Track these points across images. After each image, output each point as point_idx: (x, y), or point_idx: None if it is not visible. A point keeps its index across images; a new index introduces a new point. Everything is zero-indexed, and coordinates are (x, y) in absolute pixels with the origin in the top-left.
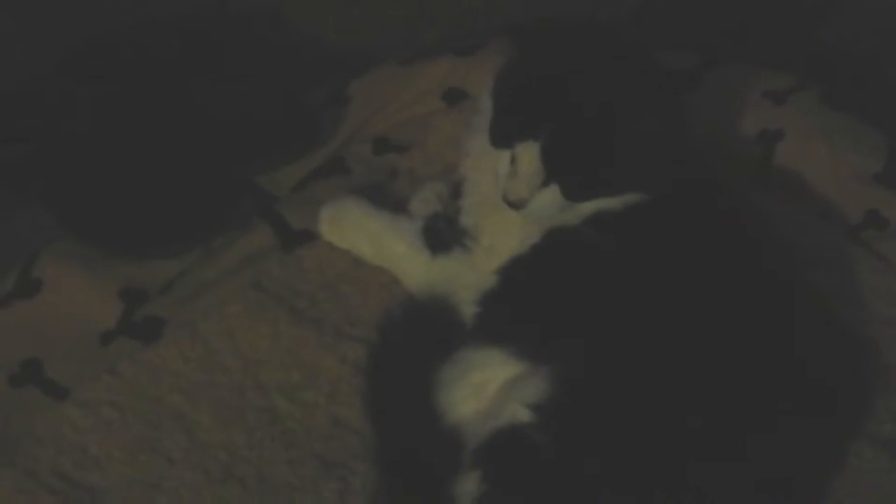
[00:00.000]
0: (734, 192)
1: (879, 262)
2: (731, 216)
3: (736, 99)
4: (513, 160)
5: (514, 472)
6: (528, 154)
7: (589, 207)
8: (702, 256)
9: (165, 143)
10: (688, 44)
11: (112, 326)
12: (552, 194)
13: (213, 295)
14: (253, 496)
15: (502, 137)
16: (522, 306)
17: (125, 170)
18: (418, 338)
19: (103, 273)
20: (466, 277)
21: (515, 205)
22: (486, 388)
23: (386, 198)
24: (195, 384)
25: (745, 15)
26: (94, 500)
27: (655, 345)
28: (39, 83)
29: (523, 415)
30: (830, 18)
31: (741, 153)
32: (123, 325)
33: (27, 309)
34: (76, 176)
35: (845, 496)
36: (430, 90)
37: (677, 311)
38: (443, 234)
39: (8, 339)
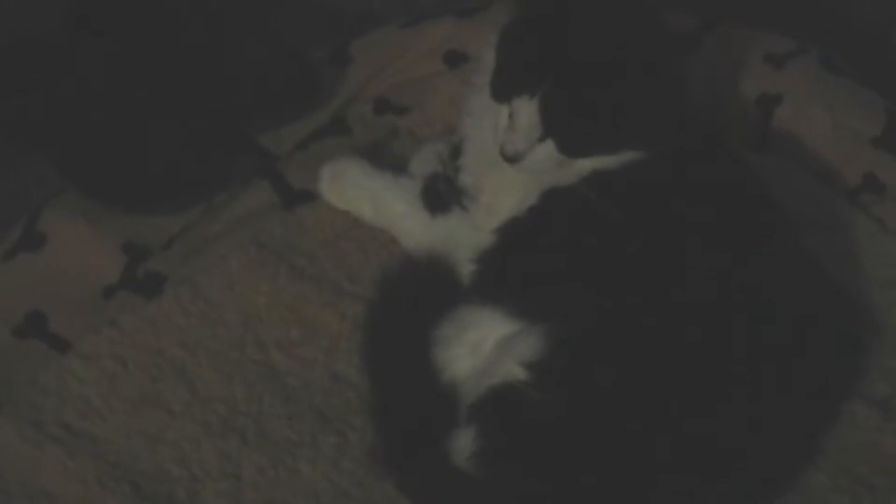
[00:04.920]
0: (733, 153)
1: (876, 224)
2: (730, 177)
3: (735, 62)
4: (511, 114)
5: (509, 428)
6: (526, 108)
7: (587, 166)
8: (700, 217)
9: (168, 100)
10: (688, 6)
11: (115, 281)
12: (548, 149)
13: (215, 251)
14: (252, 449)
15: (501, 91)
16: (520, 265)
17: (128, 125)
18: (416, 296)
19: (107, 228)
20: (465, 237)
21: (511, 158)
22: (482, 346)
23: (386, 158)
24: (196, 338)
25: None
26: (96, 450)
27: (652, 305)
28: (44, 36)
29: (518, 373)
30: None
31: (740, 116)
32: (126, 279)
33: (31, 262)
34: (79, 130)
35: (838, 453)
36: (431, 52)
37: (674, 272)
38: (442, 194)
39: (12, 292)
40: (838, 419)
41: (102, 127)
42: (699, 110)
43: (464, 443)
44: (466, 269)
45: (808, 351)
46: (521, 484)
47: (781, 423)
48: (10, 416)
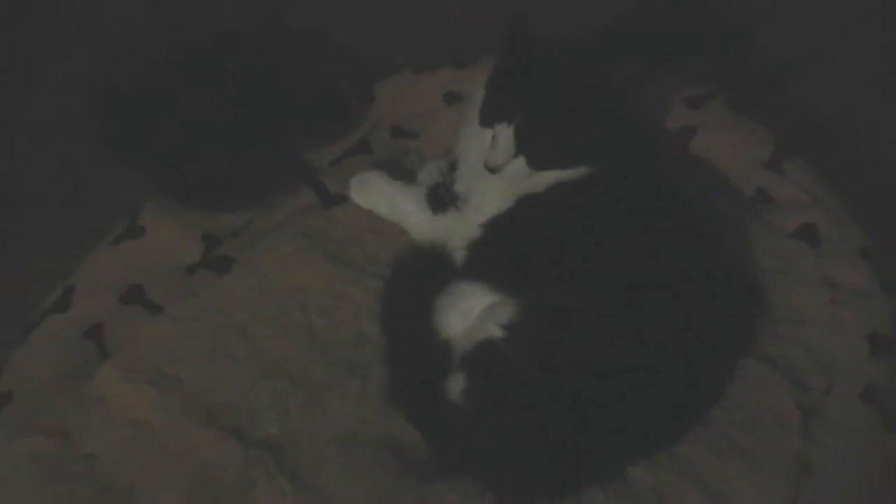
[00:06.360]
0: (663, 169)
1: (766, 227)
2: (659, 187)
3: (664, 103)
4: (493, 137)
5: (490, 373)
6: (504, 133)
7: (551, 177)
8: (636, 216)
9: (237, 126)
10: (634, 55)
11: (195, 261)
12: (521, 163)
13: (270, 240)
14: (297, 389)
15: (487, 119)
16: (500, 252)
17: (206, 145)
18: (421, 275)
19: (190, 222)
20: (459, 230)
21: (493, 170)
22: (471, 313)
23: (400, 171)
24: (254, 305)
25: (679, 34)
26: (181, 389)
27: (598, 281)
28: (145, 78)
29: (497, 332)
30: (746, 39)
31: (667, 143)
32: (204, 260)
33: (134, 247)
34: (169, 148)
35: (737, 398)
36: (434, 92)
37: (616, 257)
38: (442, 198)
39: (119, 269)
40: (737, 372)
41: (186, 146)
42: (640, 134)
43: (456, 384)
44: (460, 254)
45: (715, 320)
46: (499, 413)
47: (695, 372)
48: (117, 362)
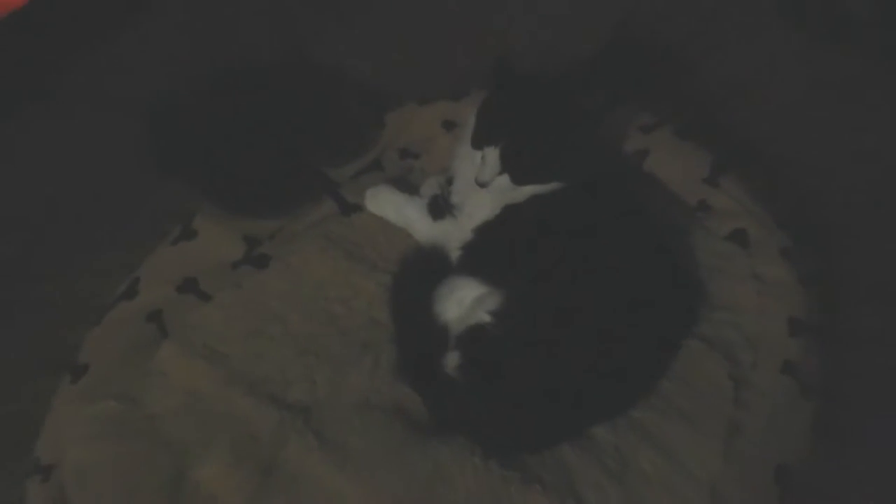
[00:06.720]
0: (621, 184)
1: (705, 232)
2: (617, 199)
3: (621, 129)
4: (482, 157)
5: (479, 351)
6: (491, 154)
7: (529, 191)
8: (599, 224)
9: (270, 146)
10: (599, 89)
11: (239, 258)
12: (505, 179)
13: (299, 241)
14: (322, 364)
15: (477, 143)
16: (488, 252)
17: (245, 162)
18: (424, 270)
19: (234, 226)
20: (454, 234)
21: (482, 184)
22: (464, 302)
23: (406, 185)
24: (287, 296)
25: (634, 73)
26: (227, 363)
27: (568, 276)
28: (195, 111)
29: (486, 318)
30: (689, 78)
31: (625, 162)
32: (245, 258)
33: (188, 247)
34: (218, 167)
35: (680, 371)
36: (434, 120)
37: (583, 256)
38: (441, 207)
39: (176, 265)
40: (681, 350)
41: (229, 162)
42: (603, 155)
43: (452, 360)
44: (455, 254)
45: (664, 307)
46: (487, 384)
47: (647, 349)
48: (174, 341)
